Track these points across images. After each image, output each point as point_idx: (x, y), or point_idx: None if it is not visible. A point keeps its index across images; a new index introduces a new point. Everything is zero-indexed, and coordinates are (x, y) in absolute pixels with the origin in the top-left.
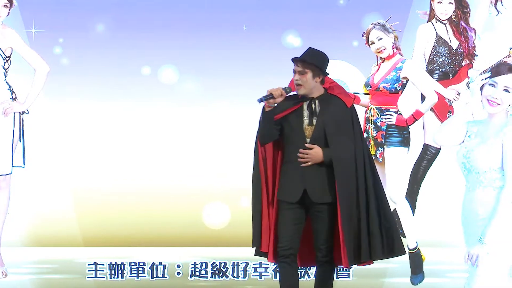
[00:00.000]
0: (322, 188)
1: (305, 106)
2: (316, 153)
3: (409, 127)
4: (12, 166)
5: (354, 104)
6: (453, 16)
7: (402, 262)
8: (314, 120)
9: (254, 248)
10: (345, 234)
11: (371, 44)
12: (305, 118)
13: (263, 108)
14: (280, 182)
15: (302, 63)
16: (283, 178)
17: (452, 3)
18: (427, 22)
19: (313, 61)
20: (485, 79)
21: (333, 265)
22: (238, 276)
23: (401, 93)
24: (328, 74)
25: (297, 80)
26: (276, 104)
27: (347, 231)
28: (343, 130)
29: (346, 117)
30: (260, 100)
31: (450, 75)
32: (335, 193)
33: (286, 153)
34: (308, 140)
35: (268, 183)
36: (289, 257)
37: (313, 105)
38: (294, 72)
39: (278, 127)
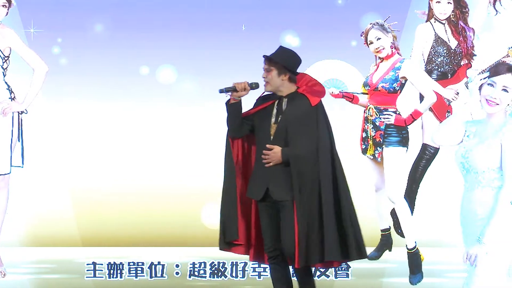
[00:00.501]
0: (283, 186)
1: (275, 105)
2: (275, 153)
3: (408, 126)
4: (11, 165)
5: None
6: (451, 16)
7: (400, 262)
8: (279, 119)
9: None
10: (300, 233)
11: (369, 44)
12: (273, 116)
13: (228, 100)
14: (249, 180)
15: (268, 61)
16: (251, 176)
17: (451, 3)
18: (426, 22)
19: (277, 59)
20: (484, 79)
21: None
22: (236, 276)
23: (400, 93)
24: (297, 73)
25: (264, 77)
26: (240, 98)
27: (302, 230)
28: (305, 129)
29: (310, 115)
30: (221, 91)
31: (449, 75)
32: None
33: (256, 151)
34: (271, 138)
35: (238, 179)
36: (277, 258)
37: (281, 104)
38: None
39: (249, 123)
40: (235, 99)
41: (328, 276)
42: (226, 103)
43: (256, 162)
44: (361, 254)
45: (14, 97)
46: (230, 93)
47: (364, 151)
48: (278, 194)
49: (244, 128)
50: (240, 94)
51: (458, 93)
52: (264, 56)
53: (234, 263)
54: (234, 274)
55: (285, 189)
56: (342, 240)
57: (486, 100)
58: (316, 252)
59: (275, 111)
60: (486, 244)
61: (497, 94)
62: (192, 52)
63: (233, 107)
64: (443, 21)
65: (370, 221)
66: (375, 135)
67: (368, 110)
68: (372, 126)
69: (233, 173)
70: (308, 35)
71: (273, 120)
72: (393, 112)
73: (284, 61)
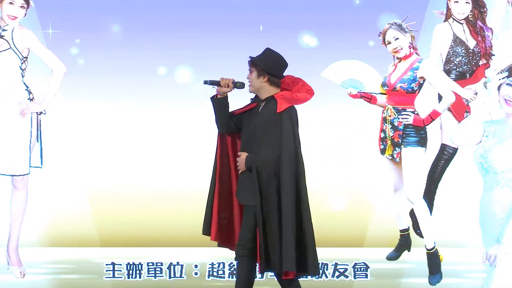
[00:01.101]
0: (249, 191)
1: (257, 107)
2: (241, 160)
3: (426, 127)
4: (30, 166)
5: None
6: (470, 16)
7: (419, 262)
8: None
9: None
10: (260, 239)
11: (387, 44)
12: (252, 119)
13: (214, 95)
14: None
15: (250, 62)
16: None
17: (469, 3)
18: (444, 21)
19: (257, 61)
20: (502, 78)
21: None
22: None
23: (418, 93)
24: (281, 77)
25: (247, 78)
26: (226, 94)
27: (262, 236)
28: (269, 136)
29: (275, 122)
30: (205, 82)
31: (467, 74)
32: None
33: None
34: (247, 141)
35: (232, 178)
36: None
37: (259, 108)
38: None
39: (237, 122)
40: (221, 95)
41: (347, 277)
42: (211, 98)
43: None
44: (317, 270)
45: (33, 97)
46: (214, 86)
47: (383, 152)
48: (244, 198)
49: (232, 125)
50: (223, 90)
51: (476, 93)
52: (249, 56)
53: None
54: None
55: (250, 194)
56: (301, 252)
57: (505, 100)
58: (276, 260)
59: (255, 114)
60: (505, 244)
61: None
62: (210, 53)
63: (218, 102)
64: (461, 21)
65: (389, 221)
66: (393, 135)
67: (387, 110)
68: (390, 126)
69: (214, 173)
70: (325, 35)
71: (251, 123)
72: (411, 112)
73: (263, 63)
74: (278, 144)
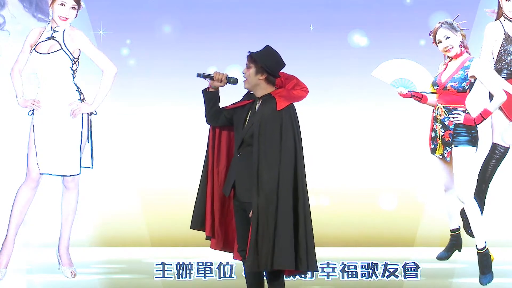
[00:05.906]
0: (247, 187)
1: (251, 105)
2: None
3: (477, 126)
4: (81, 166)
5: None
6: None
7: (470, 262)
8: (249, 120)
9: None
10: (252, 237)
11: (438, 43)
12: (247, 116)
13: (206, 88)
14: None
15: (249, 58)
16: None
17: None
18: (495, 20)
19: (257, 58)
20: None
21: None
22: (305, 276)
23: (469, 92)
24: (277, 76)
25: (243, 73)
26: (218, 88)
27: (254, 234)
28: (269, 132)
29: (275, 120)
30: (198, 75)
31: None
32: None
33: (234, 148)
34: (243, 138)
35: (220, 172)
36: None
37: (255, 105)
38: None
39: (229, 116)
40: (213, 89)
41: (397, 277)
42: (202, 91)
43: (233, 158)
44: (311, 267)
45: (84, 98)
46: (207, 79)
47: (433, 151)
48: (242, 195)
49: (221, 119)
50: (216, 84)
51: None
52: (248, 51)
53: None
54: (302, 275)
55: (249, 191)
56: (295, 249)
57: None
58: (268, 259)
59: (250, 111)
60: None
61: None
62: None
63: (209, 95)
64: None
65: (440, 221)
66: (444, 134)
67: (437, 110)
68: (441, 125)
69: (206, 167)
70: (376, 35)
71: (246, 120)
72: (462, 111)
73: (263, 61)
74: (278, 142)
